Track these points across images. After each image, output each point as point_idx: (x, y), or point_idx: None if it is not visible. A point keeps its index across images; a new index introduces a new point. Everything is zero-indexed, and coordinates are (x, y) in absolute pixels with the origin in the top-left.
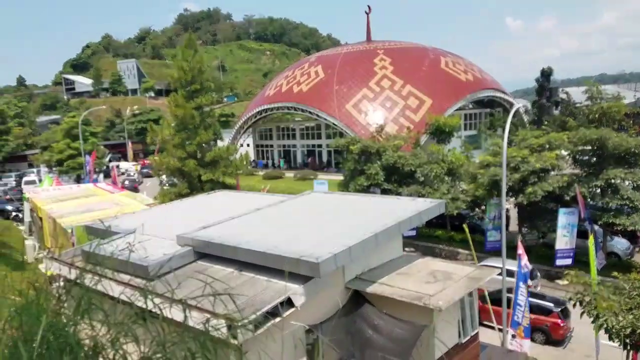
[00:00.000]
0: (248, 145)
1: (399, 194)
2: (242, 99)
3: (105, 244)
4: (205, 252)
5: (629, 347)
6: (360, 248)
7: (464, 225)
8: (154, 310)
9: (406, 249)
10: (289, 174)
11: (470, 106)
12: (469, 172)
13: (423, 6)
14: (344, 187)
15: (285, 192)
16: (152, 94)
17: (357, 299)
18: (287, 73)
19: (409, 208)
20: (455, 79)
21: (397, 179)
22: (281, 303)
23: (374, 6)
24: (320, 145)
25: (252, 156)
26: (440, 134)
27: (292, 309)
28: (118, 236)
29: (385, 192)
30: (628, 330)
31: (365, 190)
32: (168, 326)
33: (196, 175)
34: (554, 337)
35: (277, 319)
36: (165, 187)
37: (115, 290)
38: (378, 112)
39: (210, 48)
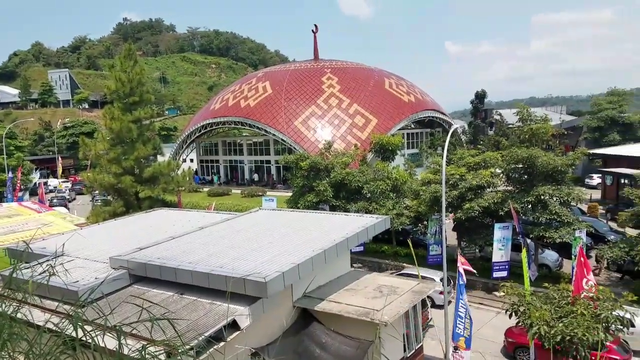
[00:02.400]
0: (191, 160)
1: (347, 210)
2: (185, 112)
3: (29, 267)
4: (142, 275)
5: (559, 353)
6: (308, 265)
7: (408, 240)
8: (84, 338)
9: (354, 264)
10: (236, 191)
11: (412, 126)
12: (412, 188)
13: (367, 27)
14: (293, 203)
15: (232, 209)
16: (87, 106)
17: (305, 318)
18: (234, 87)
19: (357, 224)
20: (398, 99)
21: (345, 195)
22: (225, 326)
23: (321, 26)
24: (269, 161)
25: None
26: (385, 152)
27: (237, 332)
28: (44, 259)
29: (333, 208)
30: (558, 338)
31: (314, 206)
32: (101, 355)
33: (133, 193)
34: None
35: (221, 344)
36: (97, 206)
37: (40, 317)
38: (326, 129)
39: (151, 59)
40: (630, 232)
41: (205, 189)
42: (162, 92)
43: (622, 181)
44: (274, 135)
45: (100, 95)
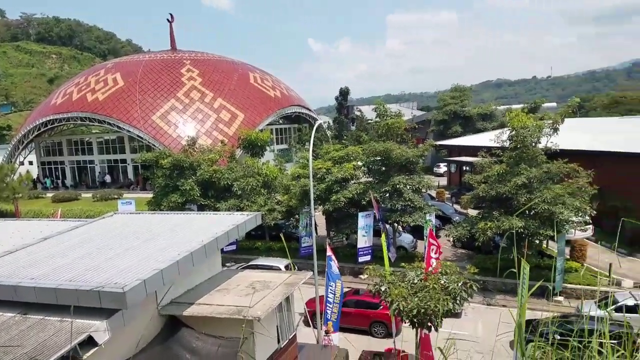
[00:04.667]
0: (30, 162)
1: (217, 209)
2: (21, 108)
3: None
4: None
5: (416, 325)
6: (174, 270)
7: (281, 235)
8: None
9: (227, 264)
10: (87, 195)
11: (281, 121)
12: (283, 184)
13: (228, 21)
14: (155, 205)
15: (83, 216)
16: None
17: (174, 325)
18: (79, 80)
19: (226, 223)
20: (264, 94)
21: (214, 194)
22: (81, 343)
23: (179, 16)
24: (124, 161)
25: (35, 175)
26: (254, 147)
27: (95, 349)
28: None
29: (202, 208)
30: (415, 311)
31: (181, 207)
32: None
33: None
34: (391, 329)
35: None
36: None
37: None
38: (189, 125)
39: None
40: (472, 212)
41: (50, 195)
42: None
43: (464, 168)
44: (129, 131)
45: None
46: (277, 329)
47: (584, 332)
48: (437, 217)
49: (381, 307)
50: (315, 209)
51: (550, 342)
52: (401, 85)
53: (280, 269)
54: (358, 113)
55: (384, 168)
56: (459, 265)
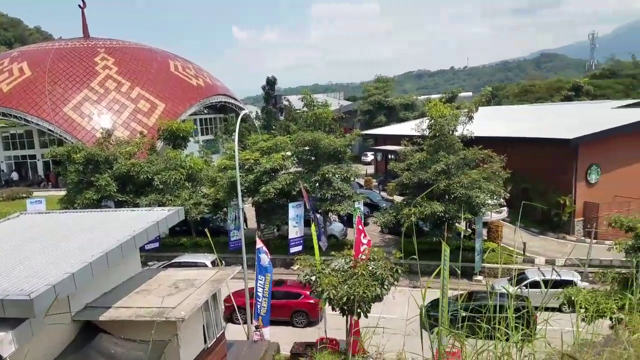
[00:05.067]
0: None
1: (136, 205)
2: None
3: None
4: None
5: (346, 312)
6: (87, 273)
7: (206, 230)
8: None
9: (149, 263)
10: None
11: (206, 111)
12: (209, 176)
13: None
14: (68, 203)
15: None
16: None
17: (89, 331)
18: None
19: (146, 219)
20: (186, 83)
21: (133, 189)
22: None
23: (92, 2)
24: (33, 156)
25: None
26: (176, 139)
27: None
28: None
29: (120, 204)
30: (344, 299)
31: (96, 204)
32: None
33: None
34: (312, 318)
35: None
36: None
37: None
38: (105, 116)
39: None
40: (398, 199)
41: None
42: None
43: (390, 156)
44: (38, 124)
45: None
46: (204, 328)
47: (490, 309)
48: (365, 204)
49: (302, 296)
50: (244, 201)
51: (456, 319)
52: (328, 76)
53: (206, 266)
54: (286, 103)
55: (313, 158)
56: (386, 250)
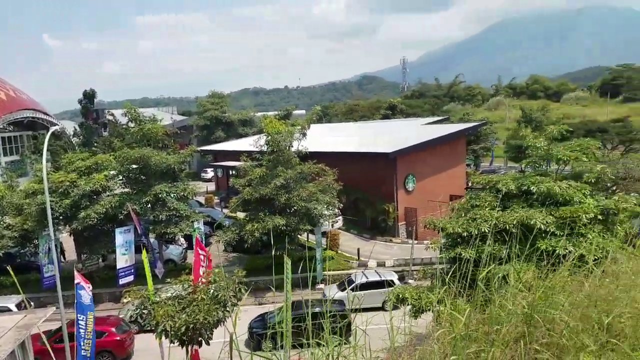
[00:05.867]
0: None
1: None
2: None
3: None
4: None
5: (186, 343)
6: None
7: (8, 267)
8: None
9: None
10: None
11: (11, 128)
12: (14, 203)
13: None
14: None
15: None
16: None
17: None
18: None
19: None
20: None
21: None
22: None
23: None
24: None
25: None
26: None
27: None
28: None
29: None
30: (183, 329)
31: None
32: None
33: None
34: (119, 356)
35: None
36: None
37: None
38: None
39: None
40: (241, 215)
41: None
42: None
43: (231, 172)
44: None
45: None
46: None
47: (307, 317)
48: (206, 223)
49: (106, 334)
50: (60, 229)
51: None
52: (159, 90)
53: (9, 309)
54: (110, 117)
55: (143, 177)
56: (230, 269)
